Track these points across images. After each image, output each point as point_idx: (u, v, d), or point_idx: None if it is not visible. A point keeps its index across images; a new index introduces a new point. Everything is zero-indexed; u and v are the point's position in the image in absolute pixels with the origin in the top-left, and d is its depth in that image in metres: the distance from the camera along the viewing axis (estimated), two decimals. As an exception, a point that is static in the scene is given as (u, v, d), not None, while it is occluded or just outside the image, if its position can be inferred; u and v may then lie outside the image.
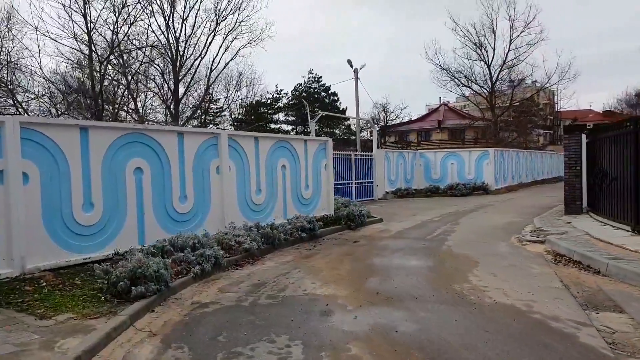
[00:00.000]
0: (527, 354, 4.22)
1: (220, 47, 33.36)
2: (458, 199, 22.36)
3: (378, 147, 24.51)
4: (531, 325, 4.94)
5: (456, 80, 43.43)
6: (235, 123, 46.71)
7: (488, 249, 9.46)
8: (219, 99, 41.61)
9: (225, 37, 31.10)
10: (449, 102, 68.18)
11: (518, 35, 39.81)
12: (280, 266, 8.18)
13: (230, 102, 41.85)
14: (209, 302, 6.02)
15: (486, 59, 41.77)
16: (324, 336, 4.74)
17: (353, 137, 45.28)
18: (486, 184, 24.44)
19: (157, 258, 6.66)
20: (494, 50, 41.25)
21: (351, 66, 31.12)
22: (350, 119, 50.39)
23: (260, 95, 46.46)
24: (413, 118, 66.18)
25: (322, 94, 56.96)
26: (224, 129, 29.98)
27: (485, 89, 43.40)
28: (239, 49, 32.29)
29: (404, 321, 5.12)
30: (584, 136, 12.75)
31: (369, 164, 22.45)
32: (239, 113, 48.35)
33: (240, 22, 31.23)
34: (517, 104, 45.98)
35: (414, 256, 8.81)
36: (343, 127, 56.72)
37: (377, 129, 35.35)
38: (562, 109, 60.39)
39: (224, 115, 46.14)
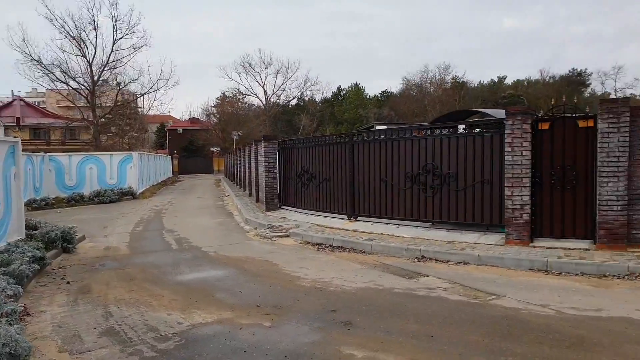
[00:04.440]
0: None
1: None
2: (110, 206, 20.41)
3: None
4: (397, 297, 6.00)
5: (50, 74, 38.10)
6: None
7: (249, 249, 9.79)
8: None
9: None
10: (24, 96, 58.66)
11: (121, 37, 39.19)
12: None
13: None
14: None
15: (87, 56, 38.92)
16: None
17: None
18: (132, 188, 23.37)
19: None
20: (95, 48, 38.92)
21: None
22: None
23: None
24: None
25: None
26: None
27: (85, 87, 40.36)
28: None
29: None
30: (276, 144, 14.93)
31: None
32: None
33: None
34: (119, 105, 45.29)
35: (202, 268, 8.02)
36: None
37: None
38: (148, 114, 63.89)
39: None
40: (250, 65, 62.05)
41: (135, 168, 23.88)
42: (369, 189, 11.11)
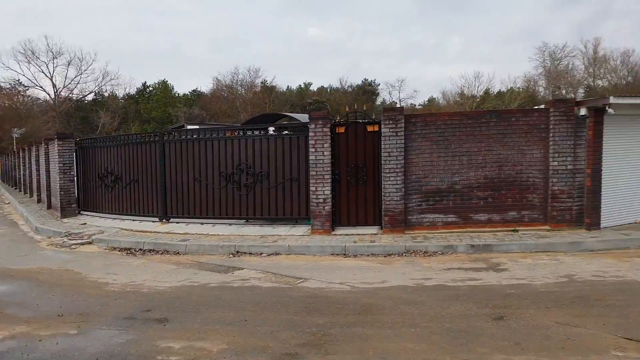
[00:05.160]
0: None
1: None
2: None
3: None
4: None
5: None
6: None
7: (43, 260, 8.86)
8: None
9: None
10: None
11: None
12: None
13: None
14: None
15: None
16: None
17: None
18: None
19: None
20: None
21: None
22: None
23: None
24: None
25: None
26: None
27: None
28: None
29: (190, 321, 5.23)
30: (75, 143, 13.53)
31: None
32: None
33: None
34: None
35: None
36: None
37: None
38: None
39: None
40: (33, 54, 53.84)
41: None
42: (182, 189, 11.05)
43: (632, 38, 69.51)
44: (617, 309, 5.21)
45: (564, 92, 49.48)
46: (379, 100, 63.09)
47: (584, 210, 8.90)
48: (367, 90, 63.20)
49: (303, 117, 11.77)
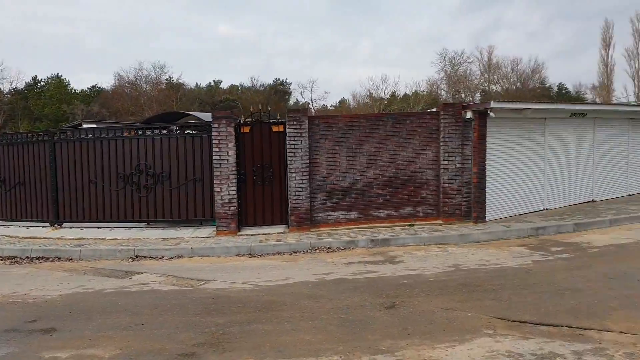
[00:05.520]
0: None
1: None
2: None
3: None
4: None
5: None
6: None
7: None
8: None
9: None
10: None
11: None
12: None
13: None
14: None
15: None
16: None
17: None
18: None
19: None
20: None
21: None
22: None
23: None
24: None
25: None
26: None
27: None
28: None
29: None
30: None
31: None
32: None
33: None
34: None
35: None
36: None
37: None
38: None
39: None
40: None
41: None
42: (76, 192, 10.40)
43: (520, 47, 76.89)
44: (493, 292, 5.85)
45: (463, 95, 53.46)
46: (292, 100, 63.60)
47: (471, 205, 9.80)
48: (279, 90, 63.46)
49: (207, 117, 11.61)
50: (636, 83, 49.45)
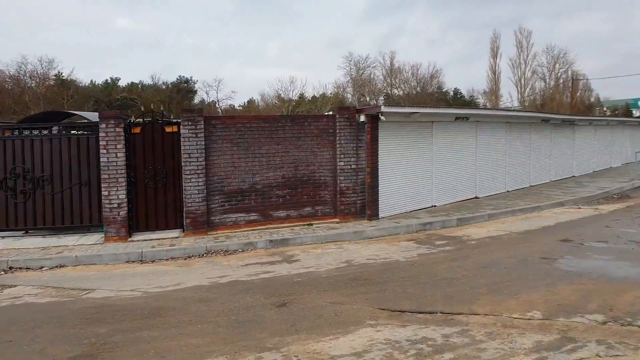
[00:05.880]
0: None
1: None
2: None
3: None
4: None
5: None
6: None
7: None
8: None
9: None
10: None
11: None
12: None
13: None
14: None
15: None
16: None
17: None
18: None
19: None
20: None
21: None
22: None
23: None
24: None
25: None
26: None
27: None
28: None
29: None
30: None
31: None
32: None
33: None
34: None
35: None
36: None
37: None
38: None
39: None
40: None
41: None
42: (-63, 199, 9.28)
43: (420, 53, 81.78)
44: (379, 285, 6.23)
45: (368, 99, 55.65)
46: (197, 99, 61.78)
47: (366, 203, 10.30)
48: (183, 88, 61.35)
49: (93, 116, 10.93)
50: (519, 89, 55.05)
